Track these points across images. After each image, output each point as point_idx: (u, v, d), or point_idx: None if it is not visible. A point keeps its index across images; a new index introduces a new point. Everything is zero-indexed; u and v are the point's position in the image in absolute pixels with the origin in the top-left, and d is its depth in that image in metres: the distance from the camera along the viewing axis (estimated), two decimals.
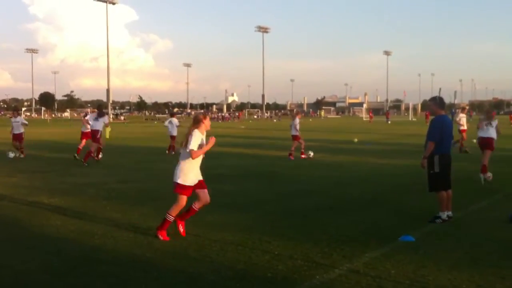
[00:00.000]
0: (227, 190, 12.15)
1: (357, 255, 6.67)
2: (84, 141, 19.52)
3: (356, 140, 29.80)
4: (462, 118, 23.55)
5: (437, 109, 8.90)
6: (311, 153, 20.15)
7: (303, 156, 19.72)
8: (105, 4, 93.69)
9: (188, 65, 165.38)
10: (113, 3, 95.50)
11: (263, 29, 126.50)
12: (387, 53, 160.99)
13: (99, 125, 18.27)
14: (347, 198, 11.01)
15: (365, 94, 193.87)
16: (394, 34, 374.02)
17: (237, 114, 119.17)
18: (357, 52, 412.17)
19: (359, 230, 8.10)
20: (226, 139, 33.15)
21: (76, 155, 18.19)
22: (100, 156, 18.85)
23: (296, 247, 7.04)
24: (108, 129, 25.56)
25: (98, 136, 18.09)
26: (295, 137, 20.08)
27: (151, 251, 6.92)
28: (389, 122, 74.62)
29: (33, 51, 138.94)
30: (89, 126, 18.62)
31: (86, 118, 19.75)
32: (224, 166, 16.97)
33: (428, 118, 77.32)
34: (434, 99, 9.11)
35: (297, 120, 20.13)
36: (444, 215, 8.56)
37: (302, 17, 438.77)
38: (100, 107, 20.28)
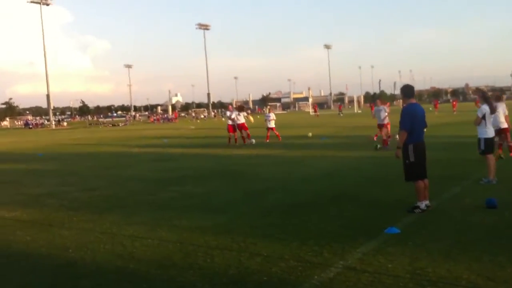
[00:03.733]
0: (194, 192, 11.85)
1: (348, 252, 6.52)
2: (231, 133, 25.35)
3: (310, 134, 29.88)
4: None
5: (406, 98, 8.87)
6: (253, 140, 25.05)
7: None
8: (38, 5, 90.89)
9: (129, 66, 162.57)
10: (47, 4, 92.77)
11: (204, 26, 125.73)
12: (327, 46, 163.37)
13: (242, 119, 25.25)
14: (317, 193, 10.86)
15: (309, 89, 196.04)
16: (333, 28, 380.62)
17: (170, 116, 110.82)
18: (298, 47, 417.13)
19: (340, 225, 7.95)
20: (180, 140, 32.67)
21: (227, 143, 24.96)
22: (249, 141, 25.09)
23: (284, 247, 6.83)
24: (251, 118, 28.64)
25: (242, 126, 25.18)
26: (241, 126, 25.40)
27: (133, 261, 6.55)
28: (341, 114, 75.82)
29: None
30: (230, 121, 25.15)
31: (228, 114, 26.29)
32: (184, 167, 16.58)
33: (373, 110, 79.15)
34: (402, 88, 9.06)
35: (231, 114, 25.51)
36: (423, 204, 8.54)
37: (243, 13, 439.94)
38: (241, 107, 27.26)
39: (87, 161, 21.32)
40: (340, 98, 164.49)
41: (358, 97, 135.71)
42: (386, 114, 20.54)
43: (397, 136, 9.04)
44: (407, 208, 8.63)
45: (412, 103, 8.81)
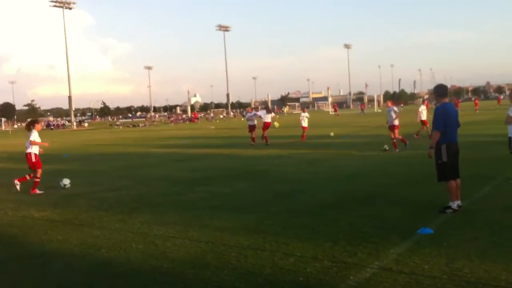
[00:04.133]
0: (222, 192, 11.88)
1: (382, 252, 6.47)
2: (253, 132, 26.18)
3: (332, 134, 29.79)
4: (423, 111, 24.18)
5: (439, 98, 8.78)
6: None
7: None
8: (61, 9, 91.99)
9: (149, 68, 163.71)
10: (70, 8, 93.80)
11: (224, 28, 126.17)
12: (347, 46, 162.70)
13: (268, 118, 26.50)
14: (345, 194, 10.81)
15: (328, 89, 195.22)
16: (353, 27, 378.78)
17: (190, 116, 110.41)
18: (317, 47, 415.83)
19: (371, 225, 7.89)
20: (201, 140, 32.80)
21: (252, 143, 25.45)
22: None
23: (317, 248, 6.80)
24: (276, 123, 30.23)
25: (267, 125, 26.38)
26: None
27: (167, 261, 6.58)
28: (363, 113, 75.65)
29: None
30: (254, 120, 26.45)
31: (258, 113, 27.68)
32: (209, 168, 16.63)
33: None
34: (435, 88, 8.99)
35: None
36: (455, 204, 8.45)
37: (262, 14, 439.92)
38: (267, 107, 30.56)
39: (112, 162, 21.47)
40: (359, 98, 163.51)
41: (378, 96, 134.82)
42: (397, 115, 19.41)
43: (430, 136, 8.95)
44: (439, 208, 8.55)
45: (446, 103, 8.72)
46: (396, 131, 19.33)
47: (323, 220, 8.42)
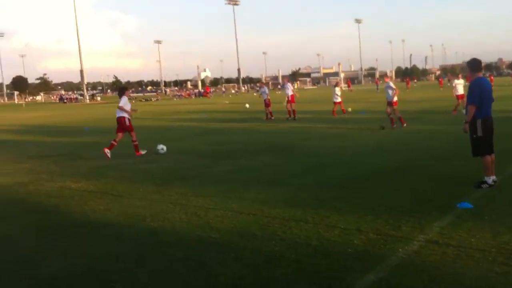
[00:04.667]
0: (250, 165, 11.98)
1: (426, 225, 6.54)
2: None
3: (350, 109, 29.72)
4: (459, 85, 23.68)
5: (473, 72, 8.76)
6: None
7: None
8: None
9: (158, 42, 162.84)
10: None
11: (233, 2, 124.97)
12: (358, 21, 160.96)
13: (290, 91, 26.01)
14: (373, 167, 10.85)
15: (339, 64, 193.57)
16: (362, 1, 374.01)
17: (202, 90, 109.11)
18: (328, 22, 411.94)
19: (409, 199, 7.95)
20: (218, 114, 32.86)
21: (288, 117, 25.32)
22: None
23: (359, 220, 6.89)
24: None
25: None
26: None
27: (213, 231, 6.70)
28: (378, 90, 74.99)
29: None
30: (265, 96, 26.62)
31: (286, 87, 27.19)
32: (232, 141, 16.75)
33: (408, 85, 78.06)
34: (469, 62, 8.96)
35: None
36: (490, 179, 8.48)
37: None
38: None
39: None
40: (371, 73, 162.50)
41: (390, 72, 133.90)
42: (394, 91, 18.93)
43: (463, 111, 8.96)
44: (474, 183, 8.58)
45: (480, 77, 8.70)
46: (395, 107, 19.08)
47: (357, 194, 8.49)
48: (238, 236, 6.46)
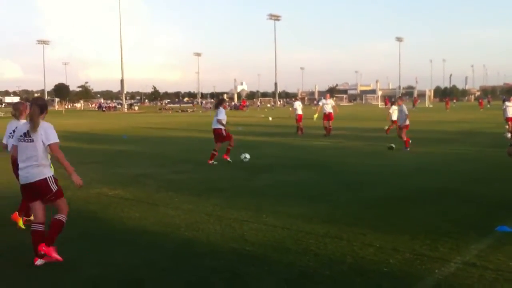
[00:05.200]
0: (287, 180, 11.93)
1: (463, 247, 6.43)
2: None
3: (386, 127, 29.42)
4: (509, 107, 23.16)
5: None
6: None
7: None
8: None
9: (198, 55, 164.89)
10: None
11: (275, 17, 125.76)
12: (399, 39, 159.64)
13: (329, 108, 25.53)
14: (413, 188, 10.70)
15: (377, 81, 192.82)
16: (404, 21, 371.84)
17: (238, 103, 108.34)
18: (366, 39, 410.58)
19: (446, 220, 7.83)
20: (254, 128, 32.99)
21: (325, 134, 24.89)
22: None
23: (395, 240, 6.81)
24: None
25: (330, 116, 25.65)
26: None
27: (248, 244, 6.71)
28: (415, 108, 74.22)
29: (44, 42, 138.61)
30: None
31: (294, 107, 27.46)
32: (268, 155, 16.80)
33: (448, 105, 76.61)
34: None
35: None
36: None
37: (313, 5, 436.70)
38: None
39: (171, 145, 21.92)
40: (409, 92, 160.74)
41: (429, 91, 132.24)
42: (406, 116, 18.42)
43: (508, 134, 8.78)
44: None
45: None
46: (404, 130, 18.56)
47: (396, 213, 8.40)
48: (272, 250, 6.46)
